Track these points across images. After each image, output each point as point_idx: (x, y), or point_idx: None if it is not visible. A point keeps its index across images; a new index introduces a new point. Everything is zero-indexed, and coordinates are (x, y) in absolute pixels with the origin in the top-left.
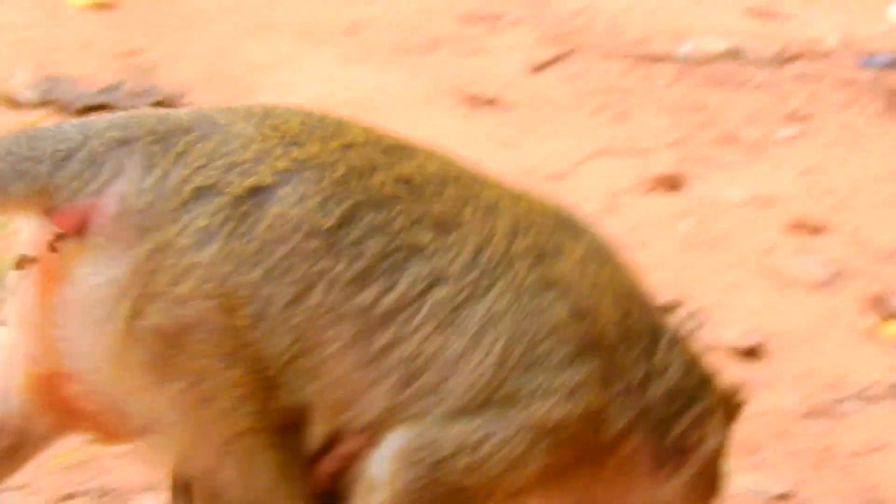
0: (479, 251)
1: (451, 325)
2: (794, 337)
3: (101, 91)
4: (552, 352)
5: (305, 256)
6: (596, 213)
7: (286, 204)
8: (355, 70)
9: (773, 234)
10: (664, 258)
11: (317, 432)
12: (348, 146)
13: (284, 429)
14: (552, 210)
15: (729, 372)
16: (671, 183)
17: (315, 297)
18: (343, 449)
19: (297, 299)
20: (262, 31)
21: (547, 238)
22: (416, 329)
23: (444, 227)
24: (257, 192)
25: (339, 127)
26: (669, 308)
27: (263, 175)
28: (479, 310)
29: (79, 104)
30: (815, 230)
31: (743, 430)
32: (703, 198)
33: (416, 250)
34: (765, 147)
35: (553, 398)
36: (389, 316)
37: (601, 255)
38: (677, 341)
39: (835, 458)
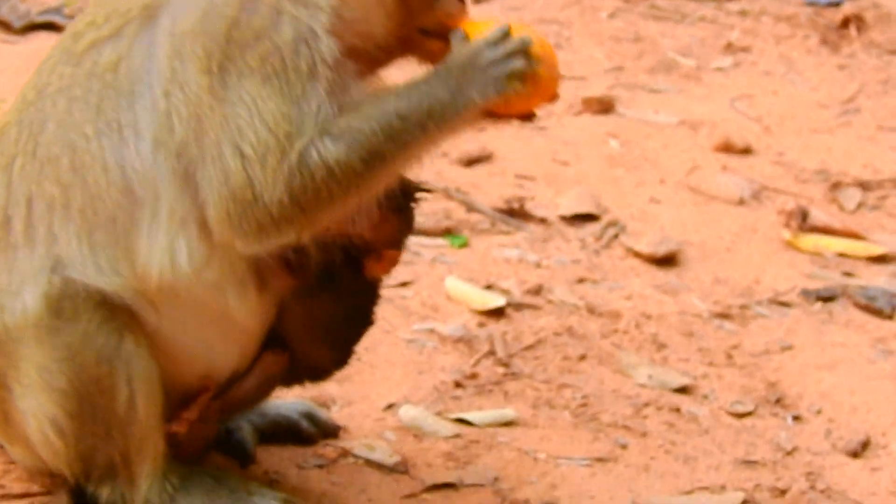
0: None
1: None
2: (711, 247)
3: (45, 11)
4: None
5: None
6: (525, 130)
7: None
8: None
9: (698, 155)
10: (591, 173)
11: None
12: None
13: None
14: None
15: (644, 278)
16: (601, 106)
17: None
18: None
19: None
20: None
21: None
22: None
23: None
24: None
25: None
26: (591, 218)
27: None
28: None
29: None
30: (741, 152)
31: (649, 329)
32: (633, 120)
33: None
34: (699, 76)
35: None
36: None
37: None
38: None
39: (739, 357)
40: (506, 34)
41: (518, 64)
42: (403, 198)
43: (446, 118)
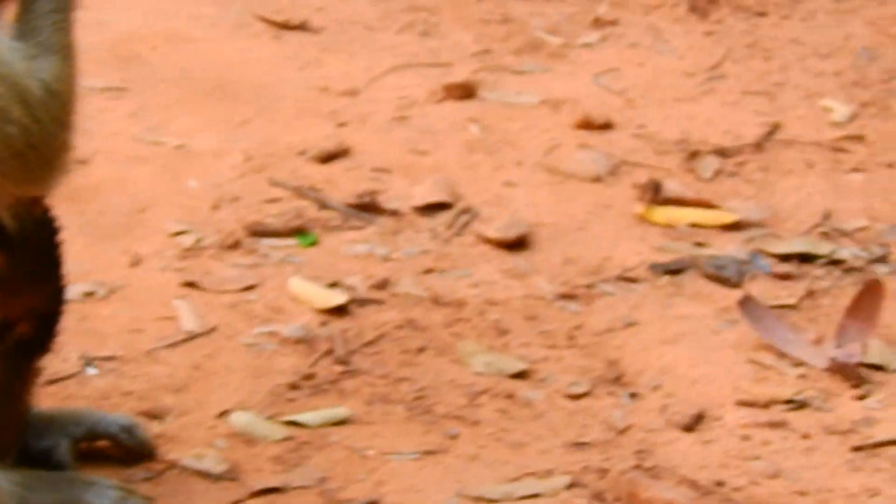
0: None
1: None
2: (563, 228)
3: None
4: None
5: None
6: (386, 122)
7: None
8: (168, 4)
9: (558, 134)
10: (448, 161)
11: None
12: None
13: None
14: None
15: (493, 264)
16: (464, 91)
17: None
18: None
19: None
20: None
21: None
22: None
23: None
24: None
25: None
26: (444, 207)
27: None
28: None
29: None
30: (601, 128)
31: (493, 315)
32: (494, 103)
33: None
34: (565, 54)
35: None
36: None
37: None
38: None
39: (582, 337)
40: None
41: None
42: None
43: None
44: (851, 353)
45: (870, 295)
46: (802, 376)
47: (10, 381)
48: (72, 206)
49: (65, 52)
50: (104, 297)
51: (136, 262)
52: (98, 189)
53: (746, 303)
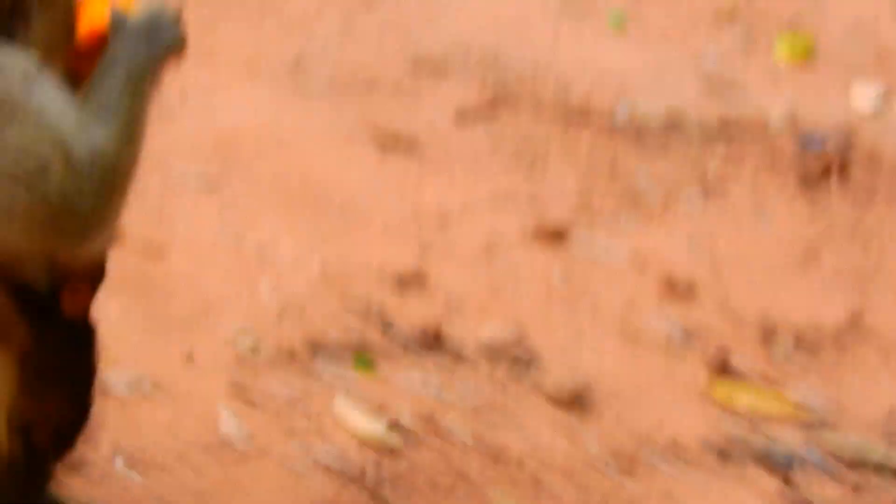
0: None
1: None
2: (622, 390)
3: None
4: None
5: None
6: (471, 255)
7: None
8: (283, 104)
9: (638, 295)
10: (523, 306)
11: None
12: None
13: None
14: None
15: (544, 417)
16: (554, 236)
17: None
18: None
19: None
20: (200, 59)
21: None
22: None
23: None
24: None
25: None
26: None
27: None
28: None
29: None
30: (683, 294)
31: (531, 467)
32: (582, 253)
33: None
34: (663, 212)
35: None
36: None
37: None
38: None
39: (615, 502)
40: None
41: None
42: None
43: (150, 77)
44: None
45: None
46: None
47: (18, 483)
48: (138, 295)
49: (127, 123)
50: (148, 393)
51: (188, 361)
52: (168, 281)
53: (788, 495)
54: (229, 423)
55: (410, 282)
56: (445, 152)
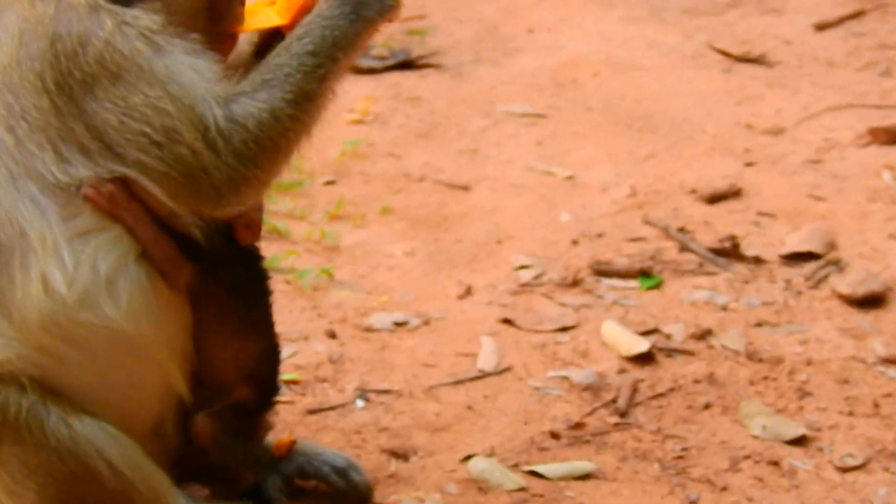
0: None
1: None
2: None
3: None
4: None
5: None
6: (798, 164)
7: None
8: (633, 30)
9: None
10: (841, 210)
11: None
12: None
13: None
14: None
15: (834, 321)
16: (891, 136)
17: None
18: None
19: None
20: None
21: None
22: None
23: None
24: None
25: None
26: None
27: None
28: None
29: None
30: None
31: (802, 376)
32: None
33: None
34: None
35: None
36: None
37: None
38: None
39: (887, 406)
40: None
41: None
42: None
43: (351, 44)
44: None
45: None
46: None
47: (233, 442)
48: (432, 232)
49: (294, 94)
50: (415, 329)
51: (465, 294)
52: (466, 216)
53: None
54: (489, 355)
55: (724, 196)
56: (797, 63)
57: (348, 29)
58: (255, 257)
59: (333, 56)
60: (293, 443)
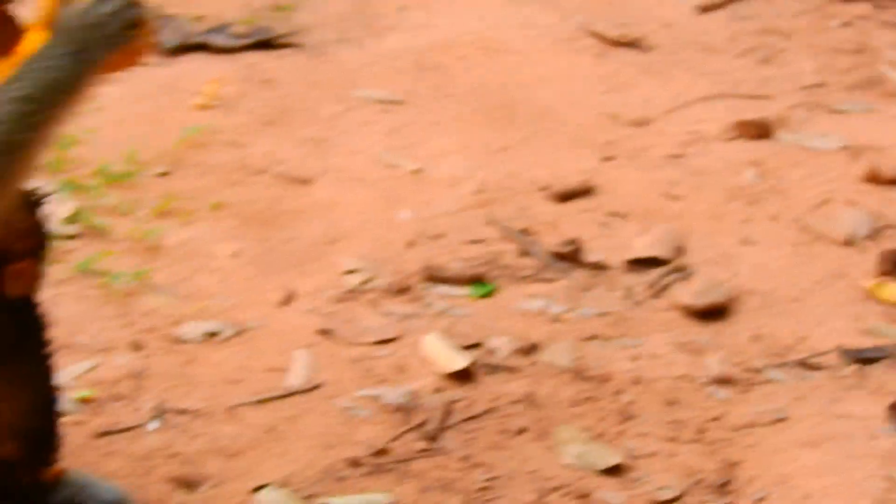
0: None
1: None
2: (775, 297)
3: (206, 31)
4: None
5: None
6: (659, 158)
7: None
8: (507, 10)
9: (838, 186)
10: (696, 210)
11: None
12: None
13: None
14: None
15: (672, 334)
16: (758, 130)
17: None
18: None
19: None
20: None
21: None
22: None
23: None
24: None
25: None
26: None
27: None
28: None
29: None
30: (890, 183)
31: (628, 397)
32: (788, 146)
33: None
34: None
35: None
36: None
37: None
38: None
39: (714, 431)
40: None
41: (131, 12)
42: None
43: (75, 85)
44: None
45: None
46: None
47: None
48: (263, 230)
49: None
50: (226, 340)
51: (286, 301)
52: (302, 213)
53: None
54: (300, 371)
55: (576, 194)
56: (673, 48)
57: (72, 71)
58: (26, 308)
59: (54, 100)
60: (62, 472)
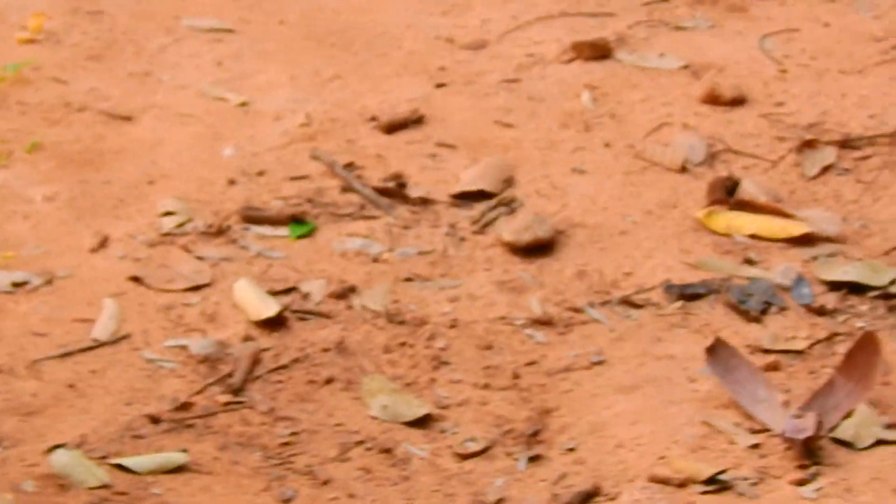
0: None
1: None
2: (603, 230)
3: None
4: None
5: None
6: (493, 84)
7: None
8: None
9: (677, 109)
10: (529, 138)
11: None
12: None
13: None
14: None
15: (494, 273)
16: (595, 51)
17: None
18: None
19: None
20: None
21: None
22: None
23: None
24: None
25: None
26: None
27: None
28: None
29: None
30: (730, 103)
31: (441, 343)
32: (626, 67)
33: None
34: (748, 7)
35: None
36: None
37: None
38: None
39: (529, 376)
40: None
41: None
42: None
43: None
44: (803, 426)
45: (864, 351)
46: (755, 447)
47: None
48: (81, 171)
49: None
50: (34, 290)
51: (98, 247)
52: (123, 152)
53: (716, 350)
54: (107, 321)
55: (404, 124)
56: None
57: None
58: None
59: None
60: None
